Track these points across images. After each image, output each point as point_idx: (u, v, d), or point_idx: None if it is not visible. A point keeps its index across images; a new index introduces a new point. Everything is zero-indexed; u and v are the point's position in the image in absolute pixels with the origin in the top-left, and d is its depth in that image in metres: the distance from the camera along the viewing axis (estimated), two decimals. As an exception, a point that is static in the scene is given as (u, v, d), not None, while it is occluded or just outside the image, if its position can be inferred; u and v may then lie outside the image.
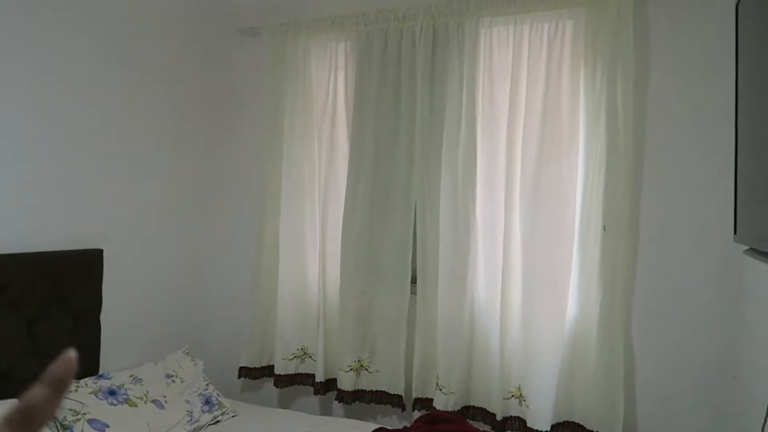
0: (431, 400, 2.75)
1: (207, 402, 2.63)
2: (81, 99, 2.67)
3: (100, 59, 2.75)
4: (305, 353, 3.10)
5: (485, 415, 2.68)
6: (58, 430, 2.18)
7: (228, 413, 2.66)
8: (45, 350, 2.43)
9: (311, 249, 3.10)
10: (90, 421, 2.24)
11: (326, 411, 3.07)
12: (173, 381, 2.64)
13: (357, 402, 2.93)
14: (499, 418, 2.60)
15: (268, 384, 3.19)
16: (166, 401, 2.51)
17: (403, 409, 2.84)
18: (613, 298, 2.45)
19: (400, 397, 2.85)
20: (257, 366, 3.17)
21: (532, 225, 2.58)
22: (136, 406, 2.41)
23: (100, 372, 2.63)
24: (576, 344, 2.54)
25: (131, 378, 2.54)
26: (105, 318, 2.74)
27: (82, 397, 2.32)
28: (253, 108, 3.28)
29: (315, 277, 3.08)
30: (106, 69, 2.78)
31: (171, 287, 3.20)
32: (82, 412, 2.25)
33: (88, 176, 2.72)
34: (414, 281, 2.87)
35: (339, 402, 2.94)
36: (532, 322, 2.56)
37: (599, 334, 2.45)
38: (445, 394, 2.67)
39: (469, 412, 2.72)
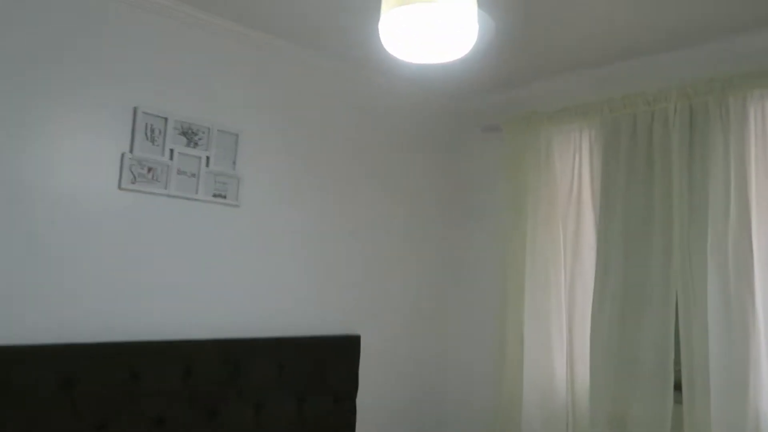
0: None
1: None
2: (341, 208, 3.03)
3: (358, 174, 3.12)
4: (553, 453, 2.90)
5: None
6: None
7: None
8: (311, 426, 2.68)
9: (557, 344, 2.96)
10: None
11: None
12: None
13: None
14: None
15: (511, 483, 3.04)
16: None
17: None
18: None
19: None
20: (501, 460, 3.06)
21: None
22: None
23: (355, 452, 2.81)
24: None
25: (382, 462, 2.65)
26: (361, 400, 2.95)
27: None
28: (494, 201, 3.36)
29: (562, 375, 2.92)
30: (363, 182, 3.13)
31: (415, 375, 3.32)
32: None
33: (348, 273, 3.03)
34: (678, 387, 2.53)
35: None
36: None
37: None
38: None
39: None
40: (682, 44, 2.60)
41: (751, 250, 2.36)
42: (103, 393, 2.11)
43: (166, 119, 2.38)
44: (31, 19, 2.10)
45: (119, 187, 2.27)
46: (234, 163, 2.58)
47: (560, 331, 2.95)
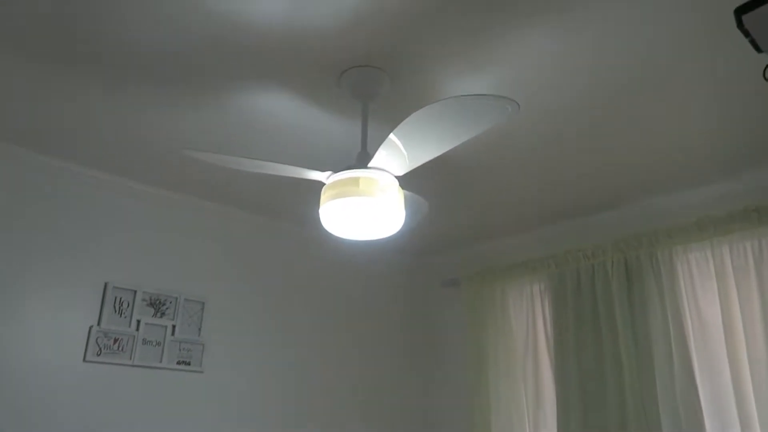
0: None
1: None
2: (303, 367, 3.10)
3: (320, 332, 3.23)
4: None
5: None
6: None
7: None
8: None
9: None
10: None
11: None
12: None
13: None
14: None
15: None
16: None
17: None
18: None
19: None
20: None
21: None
22: None
23: None
24: None
25: None
26: None
27: None
28: (458, 351, 3.44)
29: None
30: (326, 340, 3.24)
31: None
32: None
33: (312, 431, 3.02)
34: None
35: None
36: None
37: None
38: None
39: None
40: (612, 205, 2.89)
41: (697, 396, 2.44)
42: None
43: (135, 291, 2.53)
44: (8, 205, 2.33)
45: (84, 360, 2.35)
46: (199, 329, 2.69)
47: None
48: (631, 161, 2.43)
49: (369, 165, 1.68)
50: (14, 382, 2.18)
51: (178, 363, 2.59)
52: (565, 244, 3.04)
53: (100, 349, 2.39)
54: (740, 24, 1.14)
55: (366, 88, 1.83)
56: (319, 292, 3.26)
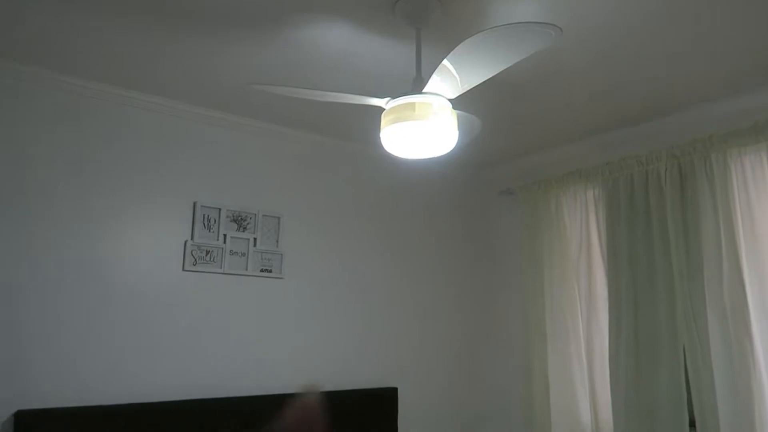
0: None
1: None
2: (376, 275, 3.41)
3: (389, 243, 3.50)
4: (585, 496, 3.07)
5: None
6: None
7: None
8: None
9: (581, 390, 3.17)
10: None
11: None
12: None
13: None
14: None
15: None
16: None
17: None
18: None
19: None
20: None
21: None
22: None
23: (397, 498, 3.06)
24: None
25: (421, 506, 2.89)
26: (400, 449, 3.22)
27: None
28: (516, 259, 3.66)
29: (587, 421, 3.12)
30: (396, 250, 3.51)
31: (452, 425, 3.57)
32: None
33: (385, 332, 3.38)
34: (693, 424, 2.70)
35: None
36: None
37: None
38: None
39: None
40: (669, 111, 2.90)
41: (745, 298, 2.55)
42: (174, 446, 2.49)
43: (219, 209, 2.84)
44: (112, 135, 2.63)
45: (183, 269, 2.72)
46: (277, 241, 3.01)
47: (582, 379, 3.16)
48: (685, 68, 2.44)
49: (423, 90, 1.82)
50: (125, 290, 2.58)
51: (261, 271, 2.94)
52: (619, 151, 3.10)
53: (195, 260, 2.75)
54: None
55: (420, 16, 1.94)
56: (383, 205, 3.50)
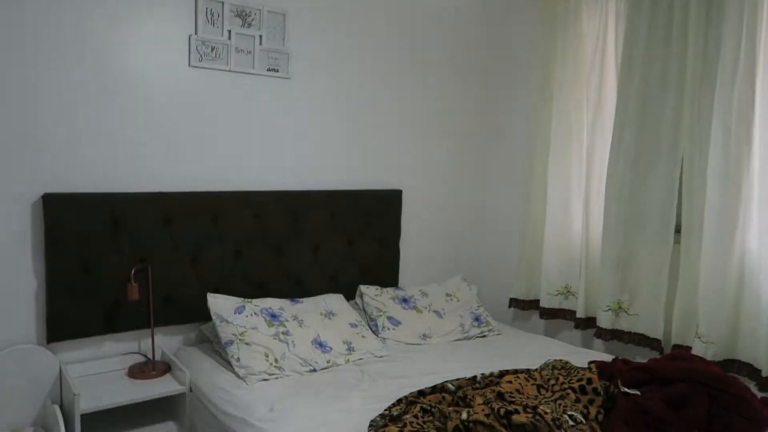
0: (690, 347, 2.77)
1: (477, 319, 3.16)
2: (385, 77, 3.36)
3: (398, 44, 3.39)
4: (568, 291, 3.38)
5: (751, 371, 2.60)
6: (368, 320, 2.97)
7: (494, 331, 3.15)
8: (362, 264, 3.26)
9: (576, 197, 3.32)
10: (388, 318, 2.98)
11: (587, 345, 3.31)
12: (451, 299, 3.23)
13: (615, 340, 3.11)
14: (765, 374, 2.51)
15: (535, 316, 3.58)
16: (444, 313, 3.12)
17: (661, 352, 2.92)
18: None
19: (659, 341, 2.93)
20: (525, 299, 3.58)
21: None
22: (421, 312, 3.07)
23: (398, 285, 3.38)
24: None
25: (420, 292, 3.21)
26: (403, 245, 3.47)
27: (384, 301, 3.07)
28: (525, 66, 3.58)
29: (579, 223, 3.30)
30: (404, 51, 3.41)
31: (453, 224, 3.80)
32: (383, 310, 3.01)
33: (391, 135, 3.43)
34: (678, 230, 2.87)
35: (597, 338, 3.16)
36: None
37: None
38: (704, 343, 2.67)
39: (734, 366, 2.66)
40: None
41: (753, 106, 2.55)
42: (192, 230, 2.71)
43: (222, 3, 2.73)
44: None
45: (189, 65, 2.70)
46: (283, 40, 2.94)
47: (579, 185, 3.29)
48: None
49: None
50: (133, 85, 2.59)
51: (268, 70, 2.91)
52: (649, -51, 2.86)
53: (201, 56, 2.72)
54: None
55: None
56: (396, 6, 3.34)
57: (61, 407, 2.32)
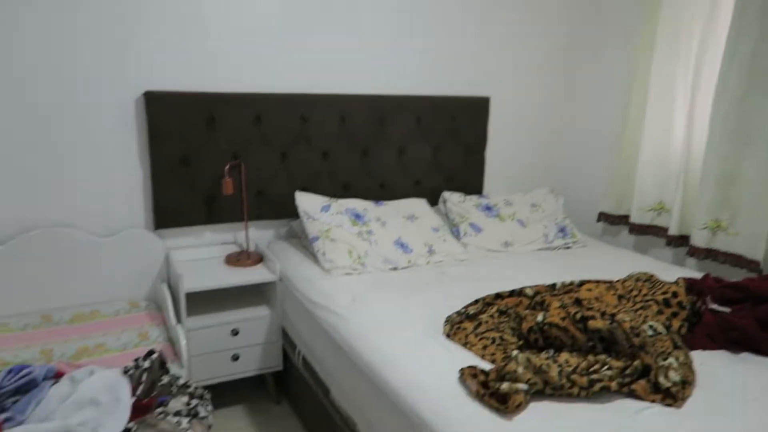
0: (792, 271, 2.60)
1: (562, 230, 3.11)
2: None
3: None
4: (662, 207, 3.22)
5: None
6: (450, 226, 3.01)
7: (579, 243, 3.09)
8: (446, 170, 3.25)
9: (680, 106, 3.07)
10: (471, 224, 2.99)
11: (678, 264, 3.19)
12: (536, 209, 3.18)
13: (709, 260, 2.97)
14: None
15: (625, 231, 3.47)
16: (528, 222, 3.08)
17: (759, 274, 2.76)
18: None
19: (757, 262, 2.76)
20: (615, 214, 3.45)
21: None
22: (504, 221, 3.06)
23: (483, 193, 3.37)
24: None
25: (503, 201, 3.18)
26: (489, 153, 3.41)
27: (467, 208, 3.07)
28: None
29: (680, 134, 3.08)
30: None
31: (542, 135, 3.67)
32: (466, 216, 3.02)
33: (480, 42, 3.29)
34: (792, 146, 2.62)
35: (690, 257, 3.03)
36: None
37: None
38: (809, 267, 2.50)
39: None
40: None
41: None
42: (282, 130, 2.79)
43: None
44: None
45: (280, -38, 2.68)
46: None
47: (685, 94, 3.04)
48: None
49: None
50: (230, -20, 2.62)
51: (358, -34, 2.83)
52: None
53: (291, -48, 2.68)
54: None
55: None
56: None
57: (169, 286, 2.58)
